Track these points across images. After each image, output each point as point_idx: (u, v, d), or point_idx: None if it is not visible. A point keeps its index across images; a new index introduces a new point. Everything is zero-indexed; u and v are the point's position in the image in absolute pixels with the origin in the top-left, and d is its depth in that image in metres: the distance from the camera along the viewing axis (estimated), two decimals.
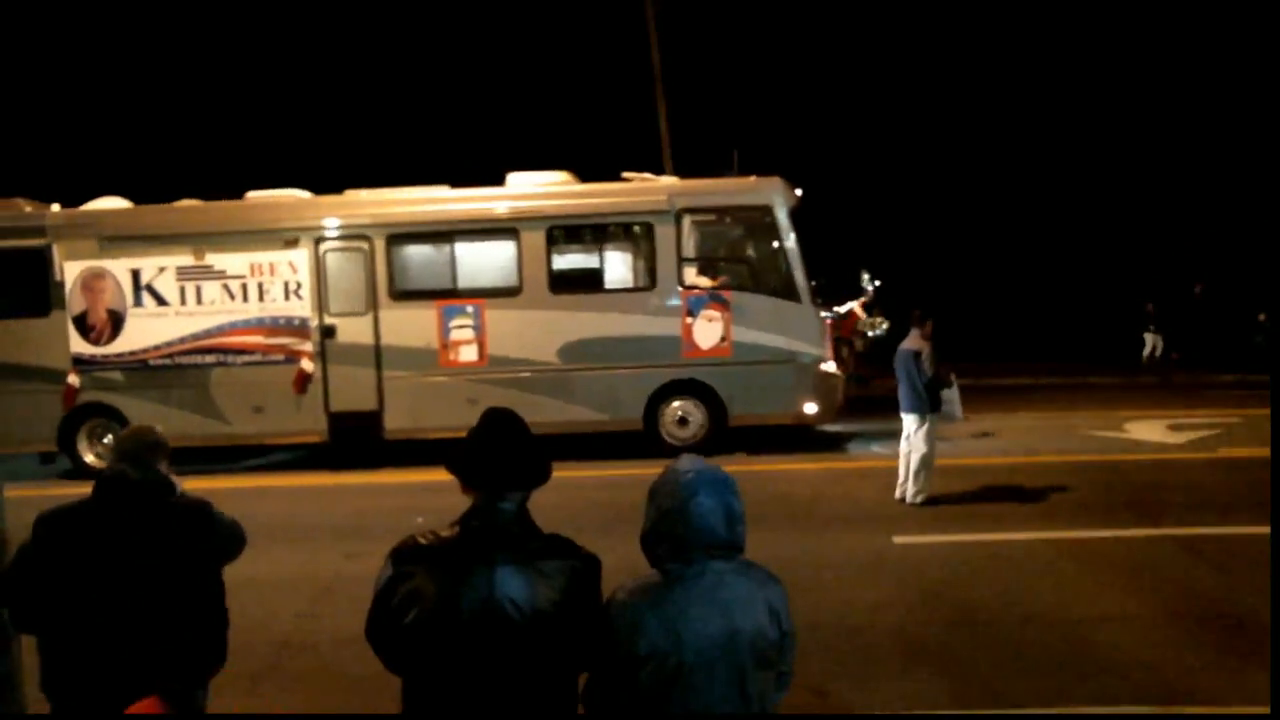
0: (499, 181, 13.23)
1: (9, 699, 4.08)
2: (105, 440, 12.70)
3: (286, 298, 12.72)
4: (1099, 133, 32.45)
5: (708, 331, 12.50)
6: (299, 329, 12.73)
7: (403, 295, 12.75)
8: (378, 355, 12.70)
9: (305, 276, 12.71)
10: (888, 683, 5.57)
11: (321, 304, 12.73)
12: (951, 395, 9.85)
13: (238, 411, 12.79)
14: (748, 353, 12.44)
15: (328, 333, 12.72)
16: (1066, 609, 6.63)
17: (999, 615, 6.59)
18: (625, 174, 13.22)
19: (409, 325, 12.68)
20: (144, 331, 12.78)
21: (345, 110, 30.49)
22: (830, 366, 12.74)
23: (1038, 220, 32.39)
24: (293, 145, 26.92)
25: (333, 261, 12.81)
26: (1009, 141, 32.30)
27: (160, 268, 12.75)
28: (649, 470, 2.81)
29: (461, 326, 12.65)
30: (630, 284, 12.86)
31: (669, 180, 13.57)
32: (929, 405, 9.59)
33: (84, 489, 3.36)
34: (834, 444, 13.63)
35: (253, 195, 13.39)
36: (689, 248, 12.82)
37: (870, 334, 19.86)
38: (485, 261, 12.89)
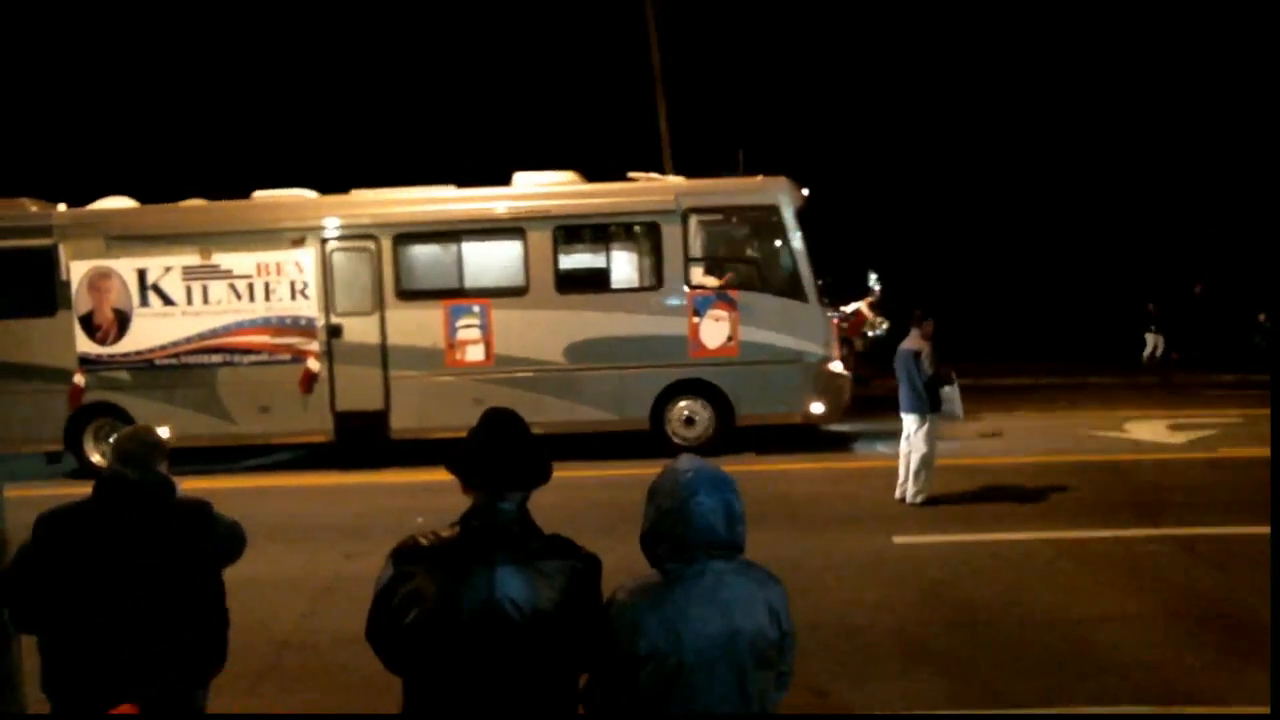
0: (505, 181, 13.24)
1: (9, 699, 4.08)
2: (111, 440, 12.70)
3: (293, 297, 12.75)
4: (1100, 133, 32.34)
5: (714, 331, 12.51)
6: (305, 329, 12.75)
7: (409, 295, 12.78)
8: (384, 355, 12.73)
9: (311, 276, 12.73)
10: (888, 683, 5.59)
11: (328, 304, 12.76)
12: (952, 394, 9.85)
13: (244, 411, 12.81)
14: (754, 352, 12.45)
15: (334, 332, 12.75)
16: (1066, 609, 6.65)
17: (999, 615, 6.61)
18: (631, 174, 13.23)
19: (415, 325, 12.70)
20: (150, 331, 12.79)
21: (351, 110, 30.52)
22: (838, 366, 12.77)
23: (1039, 221, 32.28)
24: (299, 145, 26.95)
25: (339, 261, 12.84)
26: (1010, 142, 32.21)
27: (166, 267, 12.78)
28: (649, 470, 2.81)
29: (468, 326, 12.67)
30: (637, 284, 12.85)
31: (675, 180, 13.56)
32: (929, 405, 9.62)
33: (87, 489, 3.38)
34: (837, 443, 13.64)
35: (259, 195, 13.42)
36: (695, 247, 12.82)
37: (870, 334, 19.82)
38: (491, 261, 12.90)
